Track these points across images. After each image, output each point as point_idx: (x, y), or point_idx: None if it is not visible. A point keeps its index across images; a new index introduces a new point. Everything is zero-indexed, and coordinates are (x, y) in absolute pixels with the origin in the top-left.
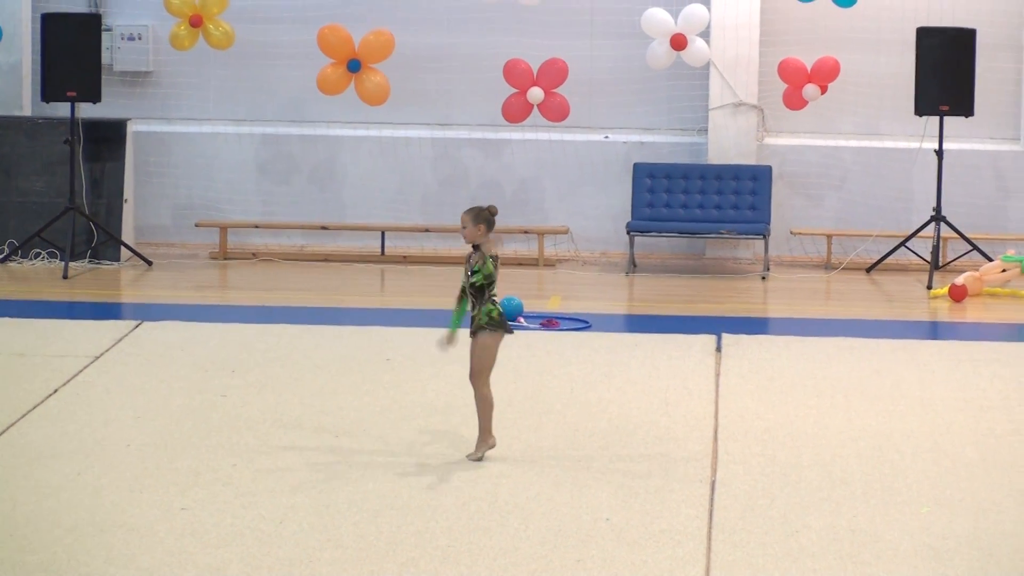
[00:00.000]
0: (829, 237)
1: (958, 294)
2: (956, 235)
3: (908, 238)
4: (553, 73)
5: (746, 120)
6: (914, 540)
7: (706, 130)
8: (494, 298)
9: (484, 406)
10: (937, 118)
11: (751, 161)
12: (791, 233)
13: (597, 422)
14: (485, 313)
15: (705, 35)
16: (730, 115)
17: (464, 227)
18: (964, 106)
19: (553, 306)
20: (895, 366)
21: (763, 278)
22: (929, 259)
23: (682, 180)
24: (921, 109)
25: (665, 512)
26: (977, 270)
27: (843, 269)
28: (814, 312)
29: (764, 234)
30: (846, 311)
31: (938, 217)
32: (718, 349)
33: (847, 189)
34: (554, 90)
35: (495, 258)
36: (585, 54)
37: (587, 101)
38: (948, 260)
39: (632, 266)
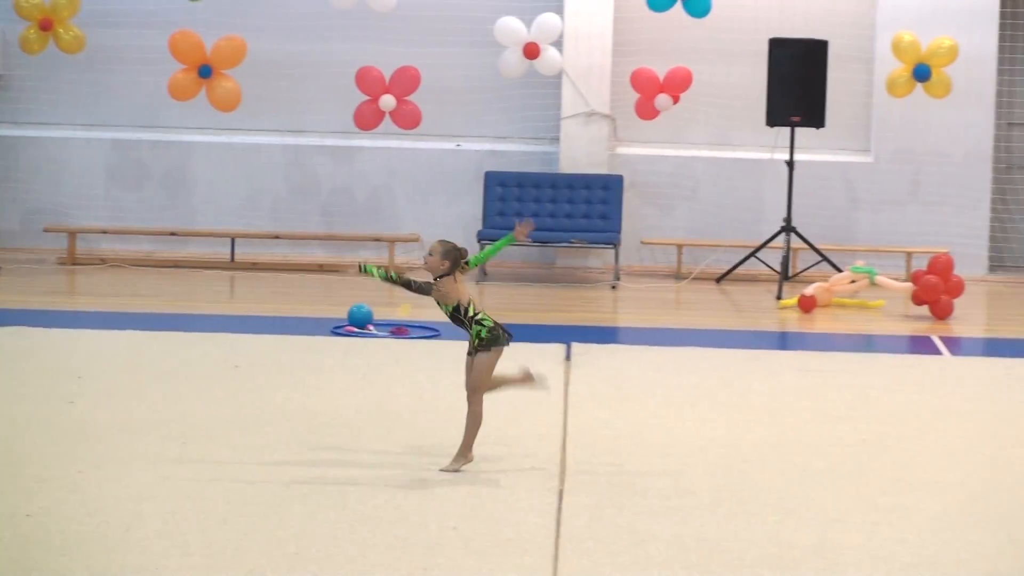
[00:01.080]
0: (679, 247)
1: (807, 304)
2: (806, 246)
3: (758, 248)
4: (405, 81)
5: (598, 129)
6: (761, 549)
7: (558, 139)
8: (477, 318)
9: (473, 422)
10: (788, 129)
11: (603, 170)
12: (642, 243)
13: (446, 430)
14: (475, 335)
15: (558, 44)
16: (582, 124)
17: (431, 254)
18: (815, 117)
19: (403, 314)
20: (744, 376)
21: (613, 287)
22: (779, 269)
23: (533, 189)
24: (772, 120)
25: (512, 521)
26: (826, 280)
27: (693, 279)
28: (664, 321)
29: (615, 243)
30: (696, 321)
31: (788, 228)
32: (567, 358)
33: (698, 199)
34: (406, 98)
35: (432, 283)
36: (438, 62)
37: (439, 109)
38: (798, 271)
39: (483, 274)
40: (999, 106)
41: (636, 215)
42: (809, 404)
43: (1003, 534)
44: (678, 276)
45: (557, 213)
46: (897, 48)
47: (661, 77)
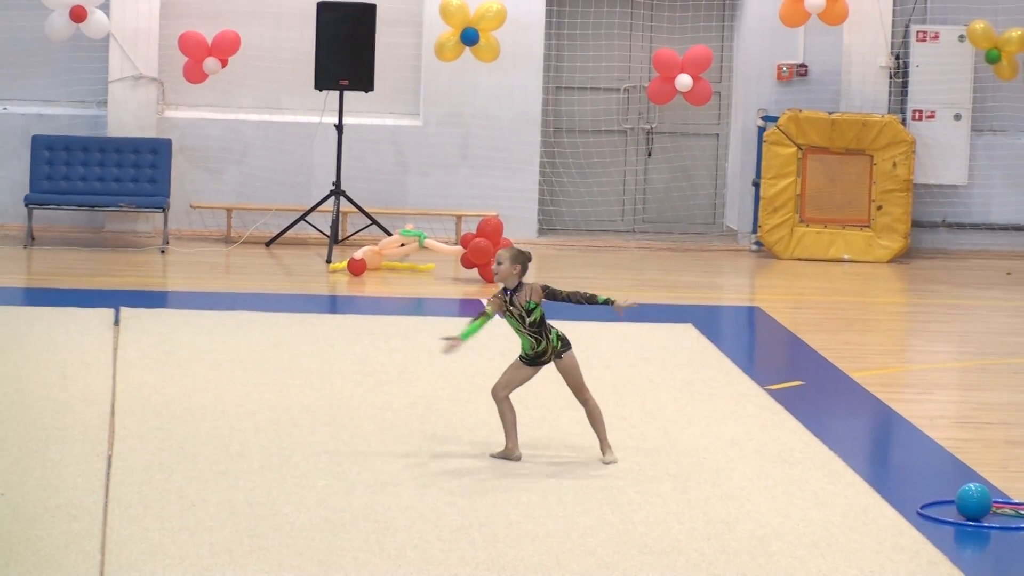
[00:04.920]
0: (229, 211)
1: (357, 268)
2: (355, 209)
3: (308, 212)
4: None
5: (146, 93)
6: (311, 513)
7: (106, 103)
8: (548, 324)
9: (598, 415)
10: (337, 92)
11: (151, 134)
12: (191, 207)
13: None
14: (556, 338)
15: (105, 7)
16: (130, 88)
17: (500, 263)
18: (364, 81)
19: None
20: (294, 340)
21: (162, 251)
22: (328, 233)
23: (82, 153)
24: (321, 84)
25: (61, 487)
26: (376, 244)
27: (243, 243)
28: (213, 286)
29: (163, 207)
30: (246, 285)
31: (337, 191)
32: (116, 323)
33: (247, 163)
34: None
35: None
36: None
37: None
38: (348, 234)
39: (30, 239)
40: (547, 70)
41: (185, 179)
42: (359, 368)
43: (558, 490)
44: (228, 240)
45: (106, 177)
46: (445, 12)
47: (209, 40)
